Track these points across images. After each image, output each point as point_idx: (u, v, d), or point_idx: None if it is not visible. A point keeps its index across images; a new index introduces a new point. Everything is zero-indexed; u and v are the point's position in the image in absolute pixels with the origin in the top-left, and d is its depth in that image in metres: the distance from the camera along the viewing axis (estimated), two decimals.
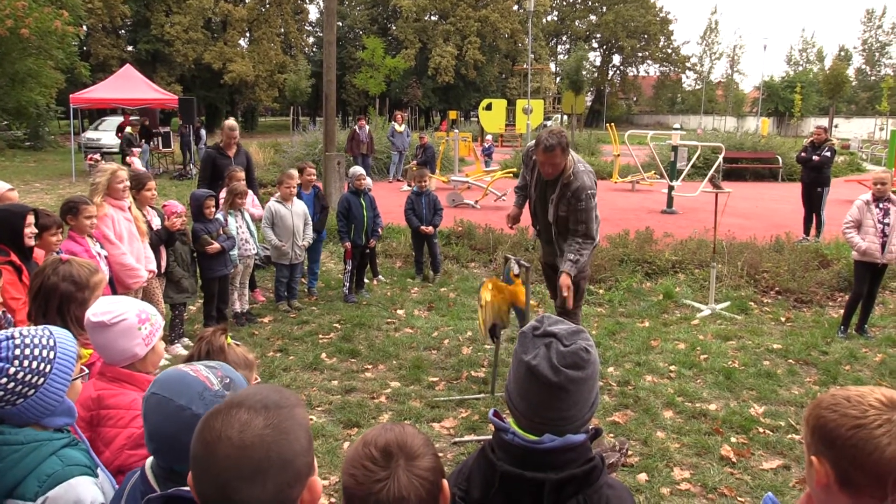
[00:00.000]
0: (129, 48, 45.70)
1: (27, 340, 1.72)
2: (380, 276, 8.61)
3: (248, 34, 50.06)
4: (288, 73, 47.18)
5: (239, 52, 47.40)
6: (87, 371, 1.95)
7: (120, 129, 21.72)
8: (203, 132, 22.31)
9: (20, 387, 1.67)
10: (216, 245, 6.21)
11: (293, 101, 45.47)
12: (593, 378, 1.48)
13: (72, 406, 1.81)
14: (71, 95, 19.94)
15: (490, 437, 1.55)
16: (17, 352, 1.69)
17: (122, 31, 46.54)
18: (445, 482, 1.36)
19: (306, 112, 57.97)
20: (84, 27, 35.47)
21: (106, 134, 24.34)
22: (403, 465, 1.28)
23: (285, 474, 1.11)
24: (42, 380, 1.70)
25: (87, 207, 4.68)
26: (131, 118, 22.00)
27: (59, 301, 2.53)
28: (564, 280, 4.75)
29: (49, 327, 1.83)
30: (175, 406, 1.50)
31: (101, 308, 2.19)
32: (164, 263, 6.00)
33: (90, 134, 25.04)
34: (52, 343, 1.76)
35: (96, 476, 1.76)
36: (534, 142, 4.85)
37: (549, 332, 1.48)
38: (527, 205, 5.31)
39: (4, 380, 1.66)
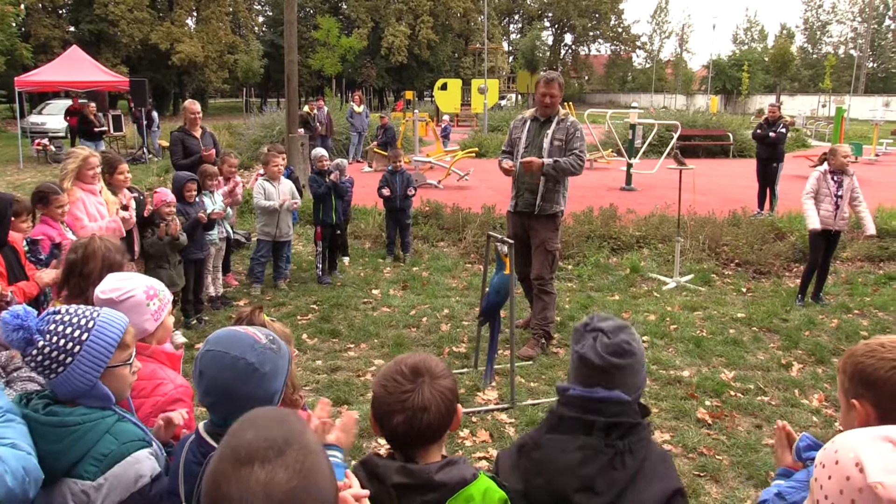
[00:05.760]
0: (71, 28, 43.93)
1: (65, 318, 1.74)
2: (347, 257, 8.64)
3: (195, 13, 48.67)
4: (239, 54, 46.12)
5: (187, 32, 45.92)
6: (139, 365, 1.93)
7: (68, 112, 21.07)
8: (155, 115, 21.74)
9: (47, 361, 1.69)
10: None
11: (245, 82, 44.58)
12: (634, 367, 1.69)
13: (107, 394, 1.77)
14: (16, 79, 19.25)
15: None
16: (52, 327, 1.71)
17: (63, 11, 44.76)
18: (460, 406, 1.60)
19: (257, 94, 56.92)
20: (23, 6, 34.07)
21: (51, 118, 23.56)
22: (428, 381, 1.54)
23: None
24: (70, 359, 1.70)
25: (57, 198, 4.62)
26: (80, 101, 21.35)
27: (67, 274, 2.56)
28: (537, 159, 5.37)
29: (105, 310, 1.84)
30: (230, 357, 1.60)
31: (110, 285, 2.22)
32: (136, 249, 5.92)
33: (34, 118, 24.16)
34: (89, 325, 1.74)
35: (151, 445, 1.79)
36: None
37: (596, 328, 1.71)
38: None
39: (35, 351, 1.69)
